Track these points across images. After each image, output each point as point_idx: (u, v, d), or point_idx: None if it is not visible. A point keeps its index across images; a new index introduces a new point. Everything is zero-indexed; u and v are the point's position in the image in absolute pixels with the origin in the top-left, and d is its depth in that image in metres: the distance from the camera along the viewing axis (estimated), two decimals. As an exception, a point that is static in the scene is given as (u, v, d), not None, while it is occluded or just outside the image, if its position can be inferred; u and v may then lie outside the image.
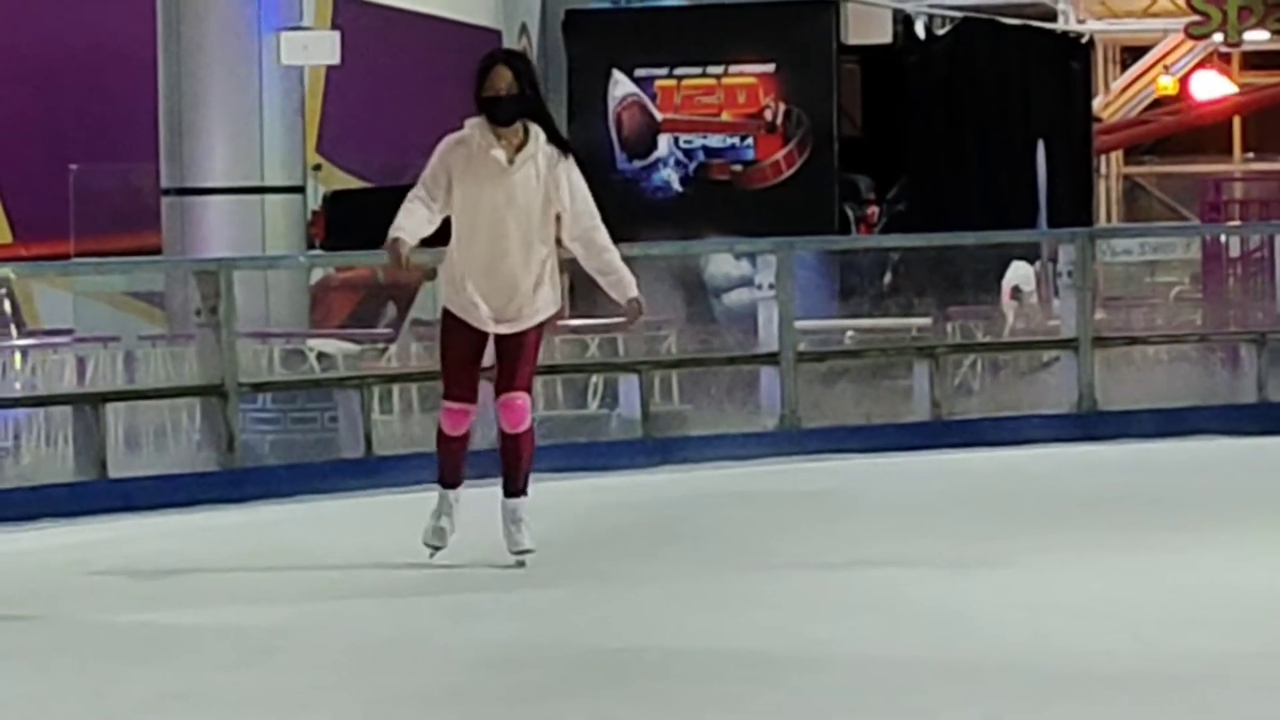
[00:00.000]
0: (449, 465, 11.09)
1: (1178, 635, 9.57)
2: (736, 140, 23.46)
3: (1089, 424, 18.54)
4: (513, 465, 10.97)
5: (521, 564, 11.08)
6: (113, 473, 15.81)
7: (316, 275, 22.03)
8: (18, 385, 20.38)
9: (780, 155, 23.07)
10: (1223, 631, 9.66)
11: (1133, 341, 20.37)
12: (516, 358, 10.71)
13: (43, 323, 23.95)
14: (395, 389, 18.26)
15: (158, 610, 11.78)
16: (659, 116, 23.48)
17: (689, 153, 23.40)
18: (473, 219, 10.56)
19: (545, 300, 10.76)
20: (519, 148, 10.40)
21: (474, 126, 10.41)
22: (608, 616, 12.46)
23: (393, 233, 10.52)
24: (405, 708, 9.52)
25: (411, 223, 10.49)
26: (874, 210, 23.44)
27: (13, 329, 21.89)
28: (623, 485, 17.23)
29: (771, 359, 18.14)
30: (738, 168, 23.35)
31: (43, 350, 20.75)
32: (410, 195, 10.67)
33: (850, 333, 20.77)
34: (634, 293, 10.92)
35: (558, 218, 10.67)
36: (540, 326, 10.87)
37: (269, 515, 16.08)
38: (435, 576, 13.28)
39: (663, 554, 14.59)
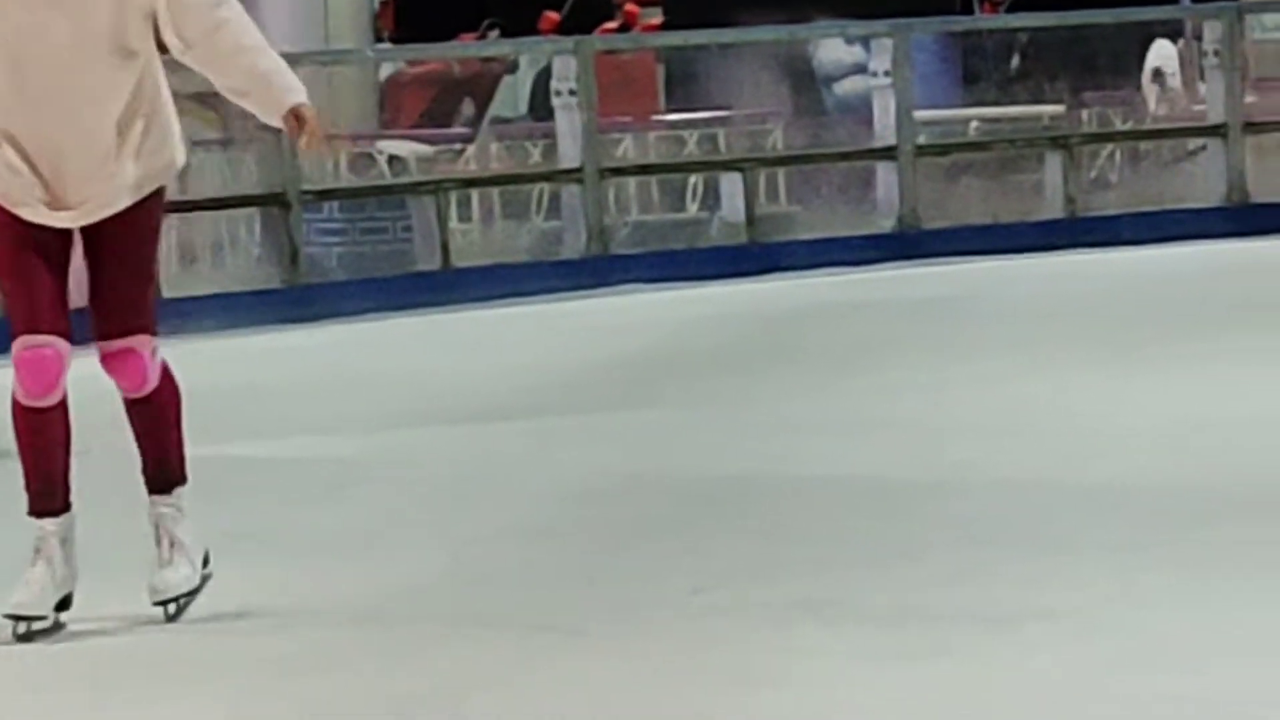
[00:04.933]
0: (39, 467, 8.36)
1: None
2: None
3: (1240, 218, 18.36)
4: (151, 439, 8.52)
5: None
6: (166, 292, 14.66)
7: (386, 70, 21.55)
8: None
9: None
10: None
11: (1288, 126, 20.95)
12: (111, 262, 8.29)
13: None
14: (474, 194, 18.11)
15: (218, 443, 10.63)
16: None
17: None
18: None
19: (140, 168, 7.89)
20: None
21: None
22: (711, 443, 12.08)
23: None
24: (494, 546, 9.09)
25: None
26: None
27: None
28: (724, 296, 16.91)
29: (888, 153, 18.04)
30: None
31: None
32: None
33: (975, 123, 20.38)
34: (297, 98, 7.82)
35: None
36: (142, 206, 7.99)
37: (337, 336, 15.73)
38: (522, 400, 13.09)
39: (770, 373, 14.31)
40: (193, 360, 13.69)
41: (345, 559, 8.74)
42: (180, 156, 7.39)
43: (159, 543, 7.28)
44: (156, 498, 7.28)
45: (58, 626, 7.23)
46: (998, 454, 10.47)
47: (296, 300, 16.28)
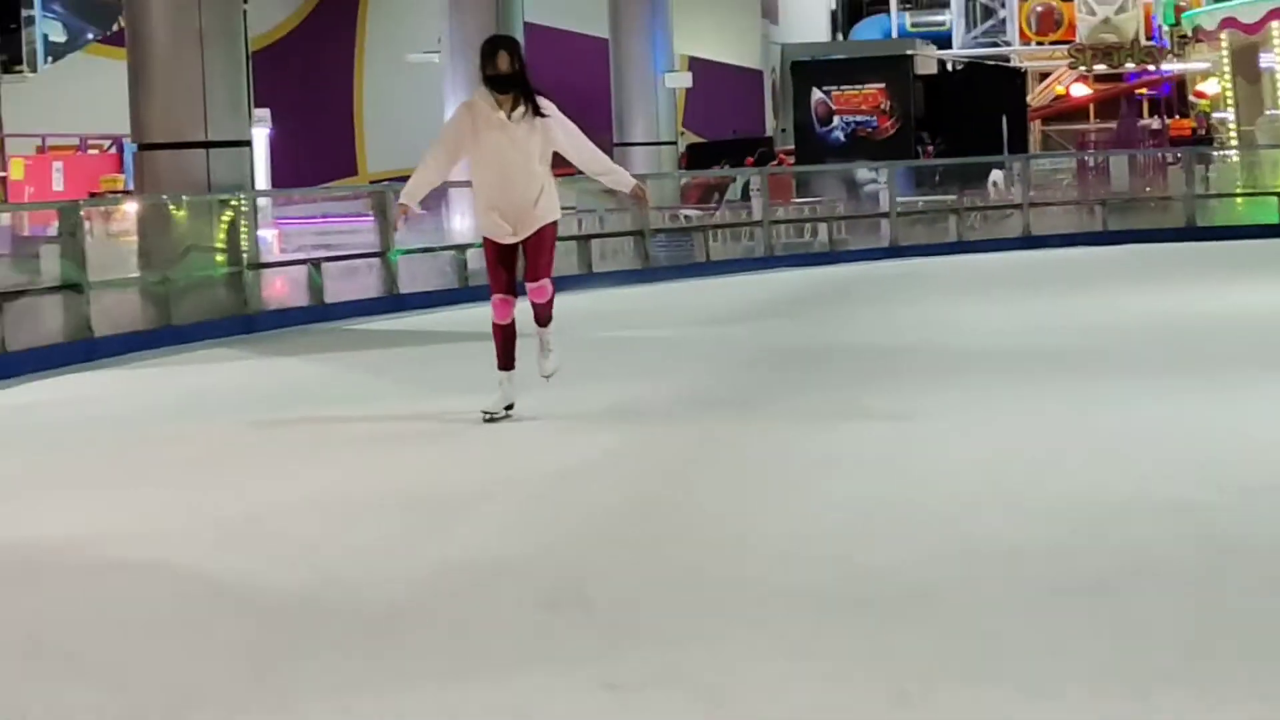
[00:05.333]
0: (506, 351, 12.00)
1: None
2: (869, 118, 37.32)
3: (1025, 242, 27.87)
4: (541, 312, 11.99)
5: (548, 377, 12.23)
6: (595, 268, 25.17)
7: (684, 179, 33.50)
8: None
9: (888, 124, 36.87)
10: None
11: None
12: (536, 250, 11.82)
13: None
14: (723, 232, 28.46)
15: (608, 329, 21.80)
16: (834, 107, 37.37)
17: (846, 124, 37.34)
18: (484, 160, 11.66)
19: (548, 207, 11.80)
20: (513, 108, 11.51)
21: (480, 95, 11.70)
22: (812, 332, 18.77)
23: (401, 199, 12.29)
24: (729, 373, 15.74)
25: (416, 188, 12.00)
26: (929, 149, 36.51)
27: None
28: (820, 273, 25.92)
29: (885, 215, 28.10)
30: (869, 130, 37.04)
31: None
32: (424, 156, 12.09)
33: (920, 202, 30.69)
34: (632, 181, 12.38)
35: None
36: (547, 228, 11.85)
37: (632, 294, 23.79)
38: (739, 315, 20.58)
39: (836, 304, 21.44)
40: (594, 300, 20.49)
41: (661, 378, 13.88)
42: (558, 211, 11.85)
43: (543, 348, 11.90)
44: (542, 330, 11.81)
45: (505, 418, 11.62)
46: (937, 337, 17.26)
47: (648, 277, 24.27)
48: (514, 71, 11.40)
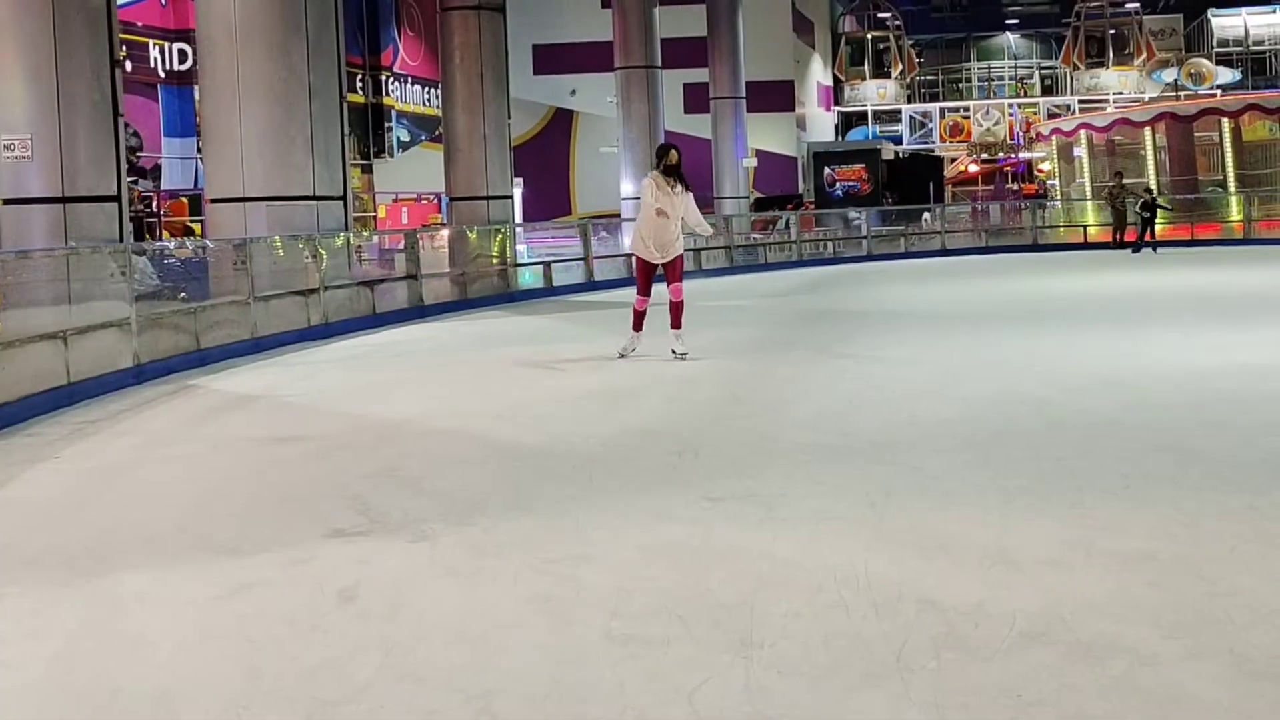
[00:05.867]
0: (639, 323, 11.09)
1: None
2: (855, 183, 36.96)
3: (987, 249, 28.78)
4: (675, 315, 10.96)
5: (683, 357, 10.92)
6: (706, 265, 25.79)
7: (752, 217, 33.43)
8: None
9: (867, 187, 36.92)
10: None
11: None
12: (673, 269, 10.98)
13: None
14: (794, 248, 28.19)
15: (714, 299, 20.60)
16: (836, 178, 36.65)
17: (843, 187, 36.93)
18: (656, 213, 10.85)
19: (680, 245, 11.02)
20: (673, 186, 10.86)
21: (655, 175, 10.93)
22: (824, 300, 19.75)
23: (633, 250, 11.41)
24: (775, 326, 17.04)
25: (641, 236, 11.09)
26: (890, 200, 35.64)
27: None
28: (836, 267, 26.70)
29: (864, 237, 28.54)
30: (856, 190, 36.93)
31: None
32: (641, 209, 11.22)
33: (884, 229, 29.64)
34: (710, 230, 11.68)
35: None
36: (680, 256, 11.02)
37: (720, 280, 23.56)
38: (778, 294, 20.96)
39: (833, 286, 21.82)
40: (702, 284, 21.91)
41: (739, 328, 14.03)
42: (683, 247, 10.94)
43: (677, 339, 10.97)
44: (675, 330, 10.93)
45: (626, 356, 10.97)
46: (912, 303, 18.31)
47: (732, 272, 24.46)
48: (677, 164, 11.01)
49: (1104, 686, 3.40)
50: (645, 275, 11.08)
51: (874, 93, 58.80)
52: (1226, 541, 4.72)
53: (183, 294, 12.20)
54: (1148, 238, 26.66)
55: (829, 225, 31.67)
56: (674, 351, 10.85)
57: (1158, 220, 27.15)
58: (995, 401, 8.16)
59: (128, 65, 23.17)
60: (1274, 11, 57.10)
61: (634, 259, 11.35)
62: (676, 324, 11.01)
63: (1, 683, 3.75)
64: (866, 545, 4.82)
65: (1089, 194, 37.96)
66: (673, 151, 10.97)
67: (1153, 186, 32.89)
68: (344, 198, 14.81)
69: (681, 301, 11.09)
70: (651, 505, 5.61)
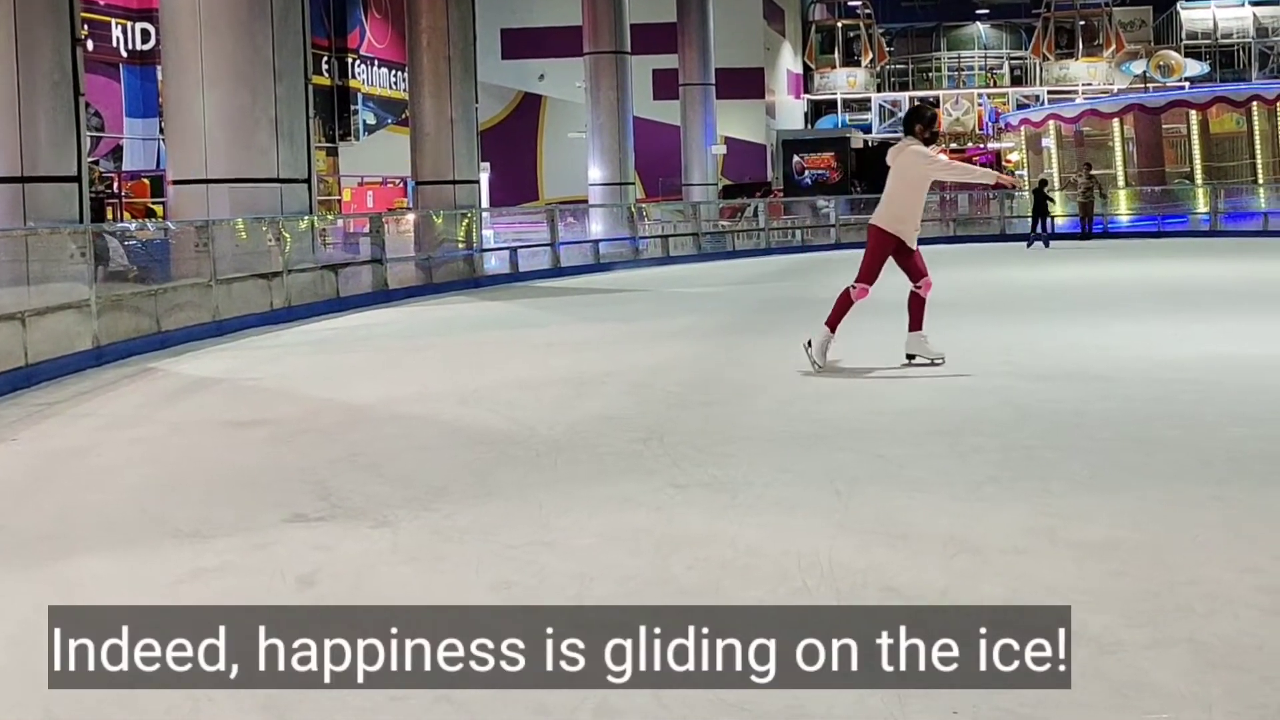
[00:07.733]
0: (840, 314, 9.23)
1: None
2: (824, 171, 37.32)
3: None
4: (919, 312, 9.31)
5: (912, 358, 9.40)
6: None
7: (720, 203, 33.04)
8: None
9: (835, 175, 37.34)
10: None
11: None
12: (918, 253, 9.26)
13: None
14: (762, 236, 28.36)
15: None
16: (805, 165, 36.99)
17: (812, 175, 37.18)
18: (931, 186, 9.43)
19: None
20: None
21: (917, 145, 9.01)
22: (794, 287, 18.98)
23: (896, 231, 9.11)
24: (750, 310, 15.78)
25: (912, 213, 9.15)
26: (857, 188, 35.87)
27: None
28: (823, 254, 26.22)
29: (832, 225, 28.83)
30: (824, 178, 37.40)
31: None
32: (955, 165, 9.85)
33: (852, 218, 29.30)
34: (997, 176, 9.35)
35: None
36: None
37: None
38: (747, 280, 20.07)
39: (806, 275, 21.20)
40: (671, 270, 25.43)
41: (708, 314, 16.90)
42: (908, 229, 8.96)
43: (924, 342, 9.24)
44: (917, 333, 9.31)
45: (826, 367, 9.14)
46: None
47: (701, 259, 24.70)
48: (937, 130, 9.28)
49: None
50: (885, 260, 9.14)
51: (844, 81, 59.05)
52: (1190, 530, 4.73)
53: (134, 274, 12.19)
54: (1042, 230, 26.39)
55: (797, 213, 31.41)
56: (933, 361, 9.20)
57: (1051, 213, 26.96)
58: (963, 390, 8.14)
59: (89, 44, 23.24)
60: (1242, 5, 57.69)
61: (870, 240, 9.19)
62: (918, 324, 9.28)
63: (-45, 667, 3.67)
64: (831, 533, 4.82)
65: (1057, 185, 37.89)
66: (939, 114, 9.70)
67: (1047, 177, 33.12)
68: (309, 180, 14.82)
69: (924, 292, 9.35)
70: (616, 492, 5.60)
